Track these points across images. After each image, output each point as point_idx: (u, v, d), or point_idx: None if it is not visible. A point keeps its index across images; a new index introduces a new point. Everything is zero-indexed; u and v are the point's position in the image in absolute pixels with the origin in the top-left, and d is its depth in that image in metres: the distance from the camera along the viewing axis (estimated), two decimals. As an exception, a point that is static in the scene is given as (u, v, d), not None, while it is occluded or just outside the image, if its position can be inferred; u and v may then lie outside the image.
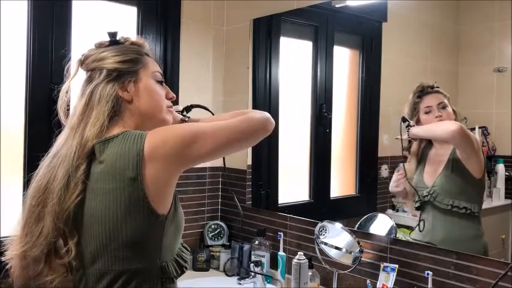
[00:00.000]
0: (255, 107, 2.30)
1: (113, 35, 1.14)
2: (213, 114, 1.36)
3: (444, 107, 1.66)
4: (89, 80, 1.10)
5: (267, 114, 1.18)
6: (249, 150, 2.31)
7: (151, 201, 0.98)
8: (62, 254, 1.03)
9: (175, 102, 1.30)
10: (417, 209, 1.71)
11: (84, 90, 1.09)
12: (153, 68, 1.16)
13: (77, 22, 1.97)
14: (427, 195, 1.67)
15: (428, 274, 1.51)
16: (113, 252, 1.00)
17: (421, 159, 1.75)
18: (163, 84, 1.18)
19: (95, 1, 2.06)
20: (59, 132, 1.11)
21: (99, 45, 1.14)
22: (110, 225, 0.99)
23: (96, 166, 1.01)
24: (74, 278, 1.07)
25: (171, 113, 1.20)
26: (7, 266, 1.07)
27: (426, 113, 1.69)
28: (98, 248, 1.00)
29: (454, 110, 1.66)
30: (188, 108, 1.34)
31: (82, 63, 1.12)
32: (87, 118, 1.05)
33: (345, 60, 2.24)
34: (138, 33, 2.21)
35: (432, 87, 1.69)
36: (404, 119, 1.70)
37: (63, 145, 1.06)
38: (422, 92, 1.70)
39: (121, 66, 1.09)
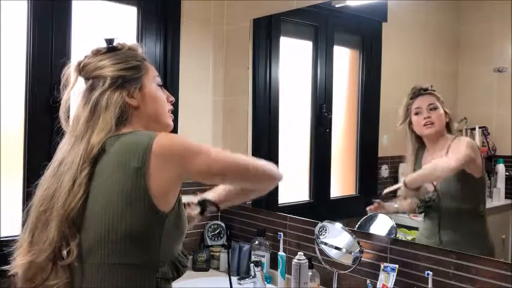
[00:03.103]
0: (255, 107, 2.30)
1: (110, 41, 1.15)
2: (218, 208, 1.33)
3: (434, 109, 1.66)
4: (92, 88, 1.10)
5: (280, 173, 1.23)
6: (249, 150, 2.31)
7: (153, 195, 0.99)
8: (63, 256, 1.03)
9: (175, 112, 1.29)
10: (421, 213, 1.71)
11: (88, 98, 1.09)
12: (153, 73, 1.19)
13: (77, 22, 1.97)
14: (429, 201, 1.67)
15: (428, 274, 1.51)
16: (110, 244, 1.00)
17: (416, 162, 1.74)
18: (163, 88, 1.21)
19: (95, 1, 2.06)
20: (61, 135, 1.12)
21: (97, 53, 1.14)
22: (109, 215, 1.00)
23: (104, 158, 1.03)
24: (69, 273, 1.07)
25: (171, 117, 1.22)
26: (11, 273, 1.06)
27: (416, 114, 1.70)
28: (95, 239, 1.01)
29: (446, 112, 1.66)
30: (202, 204, 1.30)
31: (80, 71, 1.12)
32: (94, 125, 1.06)
33: (345, 60, 2.24)
34: (138, 33, 2.21)
35: (426, 89, 1.69)
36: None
37: (69, 152, 1.06)
38: (415, 93, 1.71)
39: (125, 74, 1.11)
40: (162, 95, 1.19)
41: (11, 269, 1.06)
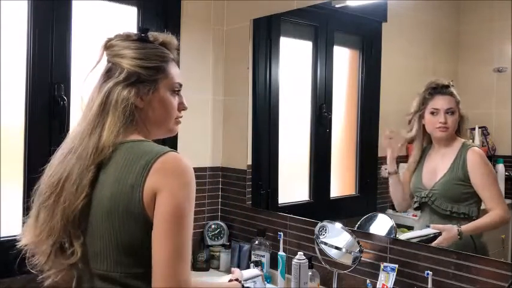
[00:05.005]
0: (255, 107, 2.30)
1: (143, 31, 1.12)
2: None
3: (452, 113, 1.62)
4: (108, 73, 1.09)
5: None
6: (249, 150, 2.31)
7: (147, 210, 0.98)
8: (67, 255, 1.04)
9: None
10: (416, 209, 1.71)
11: (103, 85, 1.08)
12: (173, 79, 1.14)
13: (77, 22, 1.97)
14: (425, 197, 1.67)
15: (428, 274, 1.51)
16: (114, 254, 1.01)
17: (421, 159, 1.74)
18: (179, 93, 1.17)
19: (95, 1, 2.05)
20: (62, 132, 1.12)
21: (127, 37, 1.11)
22: (112, 229, 1.00)
23: (108, 165, 1.02)
24: (76, 275, 1.08)
25: (178, 124, 1.19)
26: (24, 252, 1.08)
27: (432, 113, 1.65)
28: (101, 248, 1.01)
29: (462, 115, 1.62)
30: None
31: (106, 49, 1.11)
32: (103, 120, 1.05)
33: (345, 60, 2.24)
34: (138, 33, 2.21)
35: (447, 86, 1.63)
36: None
37: (79, 140, 1.05)
38: (435, 90, 1.65)
39: (142, 72, 1.08)
40: (174, 102, 1.14)
41: (20, 245, 1.08)
